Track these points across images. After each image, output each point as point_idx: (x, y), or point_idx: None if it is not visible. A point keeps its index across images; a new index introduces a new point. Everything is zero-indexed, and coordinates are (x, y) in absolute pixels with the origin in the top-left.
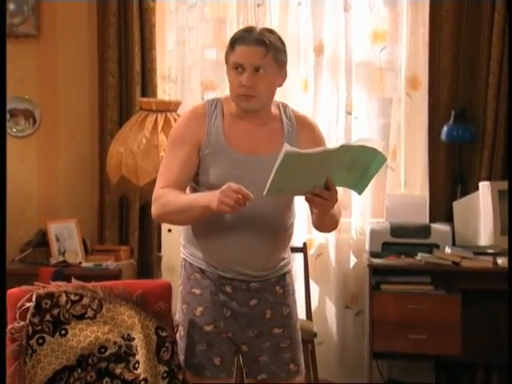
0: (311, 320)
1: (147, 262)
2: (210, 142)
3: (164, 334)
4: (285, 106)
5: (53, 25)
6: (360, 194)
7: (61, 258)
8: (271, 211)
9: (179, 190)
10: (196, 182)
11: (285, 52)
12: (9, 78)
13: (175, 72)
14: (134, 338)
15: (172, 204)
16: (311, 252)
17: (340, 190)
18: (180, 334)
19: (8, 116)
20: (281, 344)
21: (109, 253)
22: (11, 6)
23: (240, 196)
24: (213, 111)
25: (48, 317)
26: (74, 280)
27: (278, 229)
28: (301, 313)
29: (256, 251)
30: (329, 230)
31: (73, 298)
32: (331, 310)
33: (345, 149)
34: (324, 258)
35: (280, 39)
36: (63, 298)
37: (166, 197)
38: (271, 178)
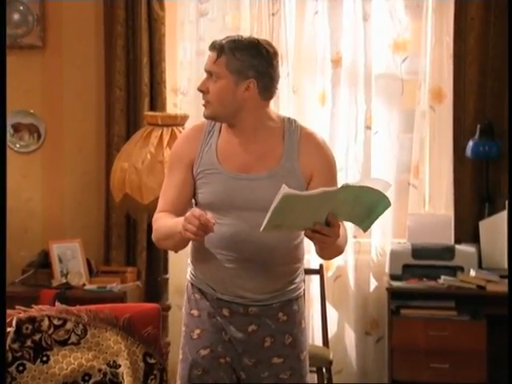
0: (328, 347)
1: (155, 284)
2: (201, 161)
3: (152, 361)
4: (291, 121)
5: (58, 36)
6: (365, 231)
7: (63, 280)
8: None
9: (176, 212)
10: (197, 202)
11: (244, 62)
12: (13, 91)
13: (188, 84)
14: (119, 365)
15: (161, 229)
16: (329, 274)
17: None
18: (180, 358)
19: (12, 131)
20: (280, 375)
21: (115, 274)
22: (15, 16)
23: (202, 222)
24: (211, 128)
25: (29, 342)
26: (57, 303)
27: (277, 250)
28: (317, 339)
29: (253, 274)
30: (332, 258)
31: (56, 322)
32: (350, 337)
33: (347, 190)
34: (343, 280)
35: (247, 51)
36: (45, 323)
37: (158, 222)
38: (268, 217)
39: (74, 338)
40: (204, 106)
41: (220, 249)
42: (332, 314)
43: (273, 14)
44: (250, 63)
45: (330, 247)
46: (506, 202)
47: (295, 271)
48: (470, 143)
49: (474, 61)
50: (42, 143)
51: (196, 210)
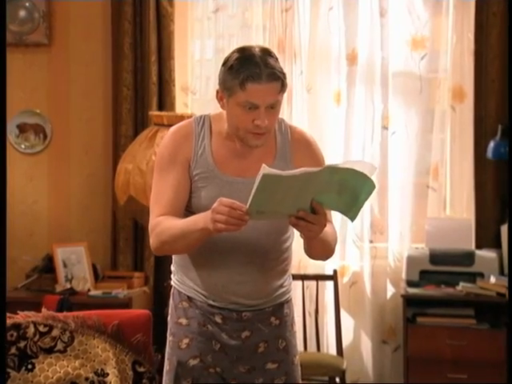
0: (342, 355)
1: (163, 289)
2: (197, 164)
3: (141, 369)
4: (280, 122)
5: (65, 33)
6: (352, 220)
7: (67, 285)
8: (262, 234)
9: (175, 215)
10: (188, 205)
11: (284, 75)
12: (18, 91)
13: (206, 83)
14: (107, 374)
15: (167, 232)
16: (344, 280)
17: (376, 211)
18: (166, 369)
19: (17, 131)
20: (275, 380)
21: (121, 279)
22: (21, 13)
23: (233, 210)
24: (200, 130)
25: (13, 350)
26: (44, 309)
27: (271, 253)
28: (331, 347)
29: (247, 278)
30: (322, 258)
31: (41, 329)
32: (367, 345)
33: (329, 170)
34: (359, 287)
35: (277, 58)
36: (31, 330)
37: (160, 225)
38: (250, 200)
39: (60, 346)
40: (259, 137)
41: (213, 253)
42: (348, 322)
43: (286, 10)
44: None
45: (316, 238)
46: None
47: (285, 273)
48: (492, 144)
49: (496, 58)
50: (48, 144)
51: (224, 199)
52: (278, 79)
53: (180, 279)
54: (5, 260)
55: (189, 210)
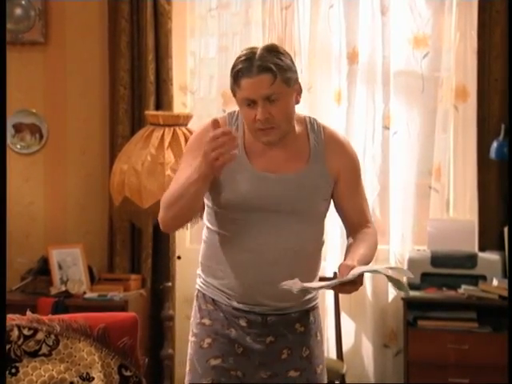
0: (342, 359)
1: (160, 292)
2: None
3: (128, 373)
4: (313, 122)
5: (61, 31)
6: None
7: (63, 288)
8: (293, 231)
9: None
10: (212, 199)
11: (292, 67)
12: (13, 90)
13: (210, 82)
14: (93, 378)
15: (169, 194)
16: None
17: (377, 213)
18: (187, 370)
19: (13, 131)
20: None
21: (118, 282)
22: (17, 11)
23: (225, 135)
24: (233, 124)
25: None
26: (28, 312)
27: (302, 254)
28: (332, 351)
29: (276, 279)
30: None
31: (26, 332)
32: (368, 349)
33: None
34: (359, 290)
35: (284, 54)
36: (15, 333)
37: (166, 192)
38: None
39: (45, 349)
40: (267, 133)
41: (240, 251)
42: (349, 325)
43: (286, 8)
44: (293, 67)
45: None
46: None
47: (314, 278)
48: (494, 144)
49: (499, 57)
50: (45, 144)
51: (209, 136)
52: (268, 70)
53: (205, 281)
54: (5, 260)
55: (218, 206)
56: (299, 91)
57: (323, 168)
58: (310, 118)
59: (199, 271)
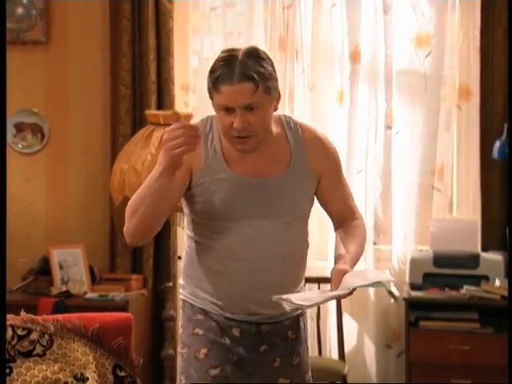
0: (344, 360)
1: (161, 292)
2: (208, 166)
3: (122, 373)
4: (289, 120)
5: (63, 31)
6: None
7: (63, 288)
8: (282, 236)
9: None
10: (193, 209)
11: (273, 74)
12: (15, 90)
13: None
14: (87, 378)
15: (130, 203)
16: None
17: (380, 213)
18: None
19: (14, 131)
20: None
21: (119, 282)
22: (18, 10)
23: (188, 128)
24: (208, 132)
25: None
26: (22, 312)
27: (291, 259)
28: (333, 351)
29: (267, 285)
30: None
31: (20, 332)
32: (370, 350)
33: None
34: (362, 290)
35: (265, 59)
36: (9, 333)
37: (127, 207)
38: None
39: (39, 349)
40: (244, 141)
41: (230, 261)
42: (351, 326)
43: (287, 7)
44: (274, 74)
45: None
46: None
47: (301, 281)
48: (497, 143)
49: (502, 55)
50: (46, 143)
51: (170, 127)
52: (250, 79)
53: (192, 292)
54: (5, 260)
55: (200, 216)
56: (278, 99)
57: (305, 167)
58: (285, 116)
59: (182, 281)
